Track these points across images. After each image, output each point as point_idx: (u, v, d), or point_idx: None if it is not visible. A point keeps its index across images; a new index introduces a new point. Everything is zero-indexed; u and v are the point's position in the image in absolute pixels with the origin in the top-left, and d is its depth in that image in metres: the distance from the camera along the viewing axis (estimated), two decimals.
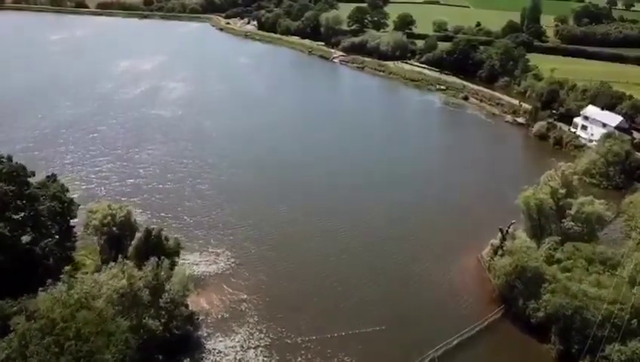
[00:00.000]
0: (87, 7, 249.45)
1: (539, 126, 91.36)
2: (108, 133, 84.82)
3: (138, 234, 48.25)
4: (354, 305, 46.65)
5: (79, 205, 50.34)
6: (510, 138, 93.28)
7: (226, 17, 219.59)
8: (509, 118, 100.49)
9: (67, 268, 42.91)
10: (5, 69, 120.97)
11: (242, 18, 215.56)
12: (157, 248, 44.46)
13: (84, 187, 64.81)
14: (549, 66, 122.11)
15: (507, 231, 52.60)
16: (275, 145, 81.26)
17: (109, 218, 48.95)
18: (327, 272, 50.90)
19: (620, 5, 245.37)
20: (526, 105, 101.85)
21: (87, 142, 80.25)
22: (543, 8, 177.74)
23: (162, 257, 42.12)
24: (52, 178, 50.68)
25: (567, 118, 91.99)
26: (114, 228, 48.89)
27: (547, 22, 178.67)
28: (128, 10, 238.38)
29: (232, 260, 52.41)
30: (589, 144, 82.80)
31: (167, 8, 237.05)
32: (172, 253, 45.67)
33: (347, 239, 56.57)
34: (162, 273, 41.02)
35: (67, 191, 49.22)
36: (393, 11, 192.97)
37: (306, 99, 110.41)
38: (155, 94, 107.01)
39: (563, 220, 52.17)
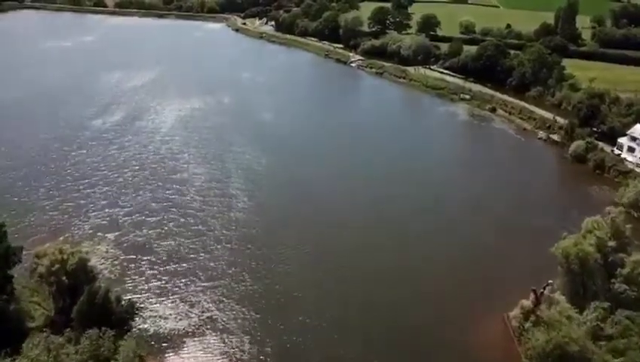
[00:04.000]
0: (105, 5, 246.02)
1: (576, 146, 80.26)
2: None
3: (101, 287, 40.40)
4: None
5: (22, 248, 42.26)
6: (543, 159, 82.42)
7: (244, 17, 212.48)
8: (541, 134, 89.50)
9: None
10: None
11: (260, 18, 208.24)
12: (104, 313, 36.24)
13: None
14: (586, 74, 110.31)
15: (542, 292, 42.74)
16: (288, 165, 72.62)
17: (58, 265, 41.32)
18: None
19: None
20: (561, 120, 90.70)
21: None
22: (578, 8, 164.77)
23: (106, 328, 33.94)
24: None
25: (610, 138, 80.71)
26: (64, 278, 41.28)
27: (582, 23, 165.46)
28: (146, 10, 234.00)
29: (208, 315, 43.78)
30: (637, 170, 71.68)
31: (185, 7, 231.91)
32: (124, 319, 37.41)
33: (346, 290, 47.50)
34: (103, 349, 32.86)
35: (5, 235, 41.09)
36: (418, 11, 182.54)
37: (318, 113, 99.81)
38: (143, 115, 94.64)
39: (613, 280, 42.23)
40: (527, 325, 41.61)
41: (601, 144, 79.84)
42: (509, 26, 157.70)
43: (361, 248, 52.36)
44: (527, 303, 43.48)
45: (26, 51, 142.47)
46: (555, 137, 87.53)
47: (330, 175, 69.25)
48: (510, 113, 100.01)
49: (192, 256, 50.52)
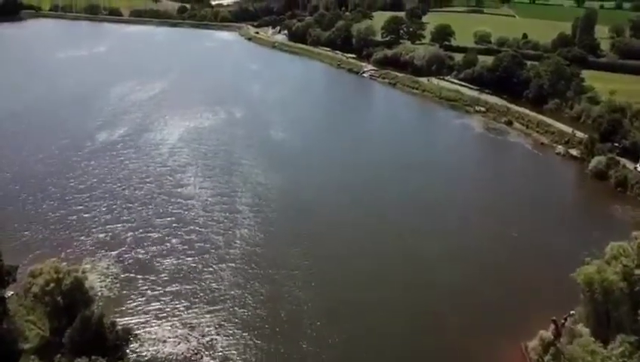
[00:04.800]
0: (121, 14, 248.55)
1: (596, 162, 77.14)
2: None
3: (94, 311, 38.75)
4: None
5: (17, 267, 40.72)
6: (561, 175, 79.41)
7: (258, 26, 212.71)
8: (560, 148, 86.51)
9: None
10: None
11: (274, 27, 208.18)
12: (97, 339, 34.45)
13: None
14: (605, 86, 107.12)
15: (563, 323, 40.05)
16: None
17: (53, 284, 39.73)
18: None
19: None
20: (580, 134, 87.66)
21: None
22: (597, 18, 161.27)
23: (97, 357, 32.14)
24: None
25: (632, 154, 77.52)
26: (59, 298, 39.69)
27: (600, 33, 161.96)
28: (160, 18, 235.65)
29: (207, 339, 41.72)
30: None
31: (199, 16, 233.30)
32: (118, 346, 35.60)
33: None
34: None
35: None
36: (432, 20, 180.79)
37: (328, 127, 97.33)
38: (151, 126, 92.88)
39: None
40: (547, 358, 38.92)
41: (623, 160, 76.74)
42: (525, 36, 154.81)
43: (371, 275, 49.78)
44: (546, 334, 40.75)
45: (39, 60, 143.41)
46: (573, 152, 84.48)
47: (341, 195, 66.51)
48: (527, 126, 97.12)
49: (194, 275, 48.61)
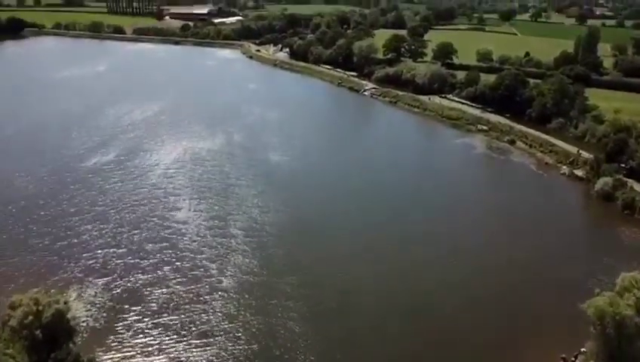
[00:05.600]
0: (124, 32, 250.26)
1: (603, 183, 74.98)
2: None
3: None
4: None
5: None
6: (566, 197, 77.16)
7: (260, 44, 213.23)
8: (564, 169, 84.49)
9: None
10: None
11: (275, 45, 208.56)
12: None
13: None
14: (610, 104, 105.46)
15: (574, 361, 37.70)
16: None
17: (31, 317, 37.67)
18: None
19: None
20: (585, 154, 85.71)
21: None
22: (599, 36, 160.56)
23: None
24: None
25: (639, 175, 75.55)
26: (37, 332, 37.60)
27: (603, 51, 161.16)
28: (163, 36, 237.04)
29: None
30: None
31: (201, 34, 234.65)
32: None
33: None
34: None
35: None
36: (434, 38, 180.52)
37: (328, 147, 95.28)
38: (146, 148, 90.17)
39: None
40: None
41: (630, 181, 74.61)
42: (527, 54, 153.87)
43: (368, 306, 47.47)
44: None
45: (35, 80, 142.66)
46: (579, 172, 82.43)
47: (341, 219, 64.70)
48: (530, 146, 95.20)
49: (185, 306, 46.43)
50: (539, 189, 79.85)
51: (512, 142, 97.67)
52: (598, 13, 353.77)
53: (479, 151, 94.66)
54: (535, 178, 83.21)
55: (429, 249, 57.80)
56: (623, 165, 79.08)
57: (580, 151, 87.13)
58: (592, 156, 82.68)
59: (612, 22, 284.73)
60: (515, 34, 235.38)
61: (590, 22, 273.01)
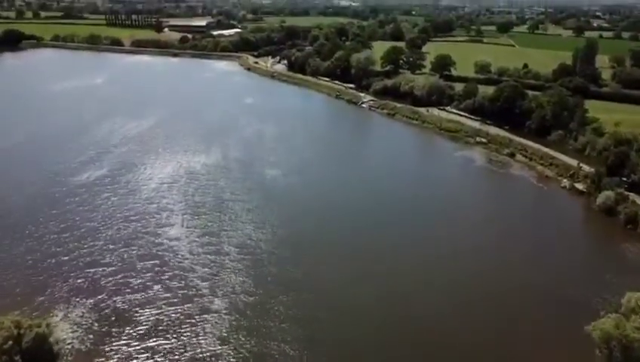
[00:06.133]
0: (122, 44, 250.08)
1: (605, 197, 73.67)
2: None
3: None
4: None
5: None
6: (567, 211, 75.79)
7: (258, 56, 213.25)
8: (565, 182, 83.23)
9: None
10: None
11: (273, 57, 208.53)
12: None
13: None
14: (609, 116, 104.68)
15: None
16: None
17: (11, 342, 36.26)
18: None
19: None
20: (586, 167, 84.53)
21: None
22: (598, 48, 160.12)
23: None
24: None
25: None
26: (17, 358, 36.16)
27: (601, 63, 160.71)
28: (161, 48, 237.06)
29: None
30: None
31: (200, 46, 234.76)
32: None
33: None
34: None
35: None
36: (432, 50, 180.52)
37: (326, 163, 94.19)
38: (140, 163, 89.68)
39: None
40: None
41: (632, 195, 73.32)
42: (525, 65, 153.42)
43: (367, 327, 45.91)
44: None
45: (30, 93, 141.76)
46: (579, 186, 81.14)
47: (337, 236, 63.23)
48: (530, 158, 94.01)
49: (174, 328, 44.83)
50: (539, 203, 78.57)
51: (511, 155, 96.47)
52: (595, 25, 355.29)
53: (478, 164, 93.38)
54: (535, 191, 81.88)
55: (429, 270, 56.29)
56: (624, 179, 77.83)
57: (581, 165, 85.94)
58: (592, 169, 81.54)
59: (609, 33, 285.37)
60: (513, 45, 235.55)
61: (587, 34, 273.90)
